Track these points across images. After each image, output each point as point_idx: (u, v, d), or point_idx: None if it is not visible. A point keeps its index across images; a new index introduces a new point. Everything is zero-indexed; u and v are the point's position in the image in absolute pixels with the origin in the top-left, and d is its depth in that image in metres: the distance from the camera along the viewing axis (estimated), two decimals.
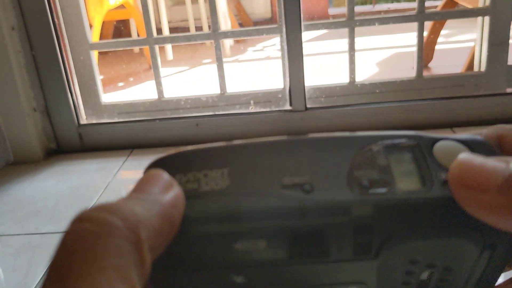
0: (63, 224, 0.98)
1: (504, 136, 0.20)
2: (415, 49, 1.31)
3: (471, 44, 1.63)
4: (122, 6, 2.24)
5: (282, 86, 1.31)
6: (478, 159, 0.16)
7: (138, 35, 2.48)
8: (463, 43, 2.37)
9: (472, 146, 0.18)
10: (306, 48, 1.27)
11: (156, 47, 1.34)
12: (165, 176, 0.18)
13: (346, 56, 1.31)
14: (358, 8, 3.31)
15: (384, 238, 0.18)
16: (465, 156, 0.17)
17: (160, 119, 1.32)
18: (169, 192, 0.17)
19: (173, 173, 0.18)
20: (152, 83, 1.41)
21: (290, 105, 1.30)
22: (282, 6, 1.21)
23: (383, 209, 0.17)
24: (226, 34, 1.41)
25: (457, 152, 0.18)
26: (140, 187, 0.17)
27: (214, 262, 0.18)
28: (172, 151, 0.19)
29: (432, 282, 0.19)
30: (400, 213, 0.17)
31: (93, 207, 0.15)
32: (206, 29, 2.54)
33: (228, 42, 2.65)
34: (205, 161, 0.18)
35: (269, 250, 0.17)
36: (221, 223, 0.17)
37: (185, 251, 0.17)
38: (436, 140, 0.19)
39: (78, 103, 1.33)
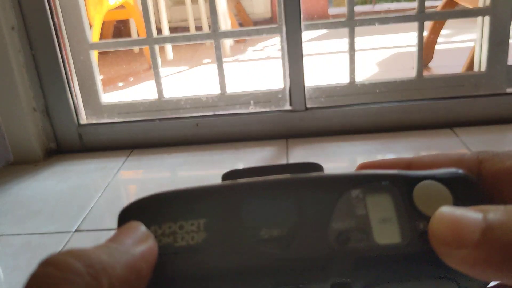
0: (63, 224, 0.98)
1: (485, 160, 0.20)
2: (415, 49, 1.31)
3: (471, 44, 1.63)
4: (122, 6, 2.24)
5: (282, 86, 1.31)
6: (456, 213, 0.16)
7: (138, 35, 2.48)
8: (463, 43, 2.37)
9: (453, 184, 0.18)
10: (306, 48, 1.27)
11: (156, 47, 1.34)
12: (141, 228, 0.18)
13: (346, 56, 1.31)
14: (358, 8, 3.31)
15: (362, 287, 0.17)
16: (443, 211, 0.16)
17: (160, 119, 1.32)
18: (142, 244, 0.17)
19: (149, 223, 0.18)
20: (152, 83, 1.41)
21: (290, 105, 1.30)
22: (282, 6, 1.21)
23: (360, 265, 0.17)
24: (226, 34, 1.42)
25: (437, 195, 0.18)
26: (115, 237, 0.17)
27: None
28: (147, 195, 0.19)
29: None
30: (378, 268, 0.17)
31: (61, 252, 0.16)
32: (206, 29, 2.54)
33: (228, 42, 2.65)
34: (181, 209, 0.18)
35: None
36: (196, 282, 0.17)
37: None
38: (416, 180, 0.18)
39: (78, 103, 1.33)
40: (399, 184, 0.18)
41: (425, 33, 1.69)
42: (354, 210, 0.18)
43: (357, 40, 1.30)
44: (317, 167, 0.21)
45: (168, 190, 0.18)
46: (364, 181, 0.18)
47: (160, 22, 2.45)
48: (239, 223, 0.17)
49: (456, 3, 1.67)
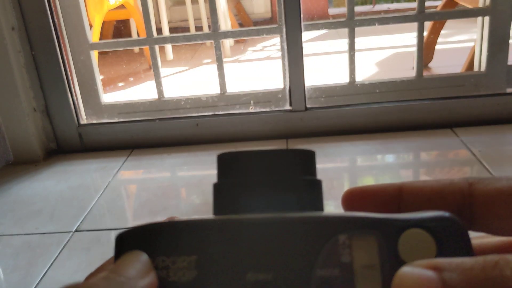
0: (63, 224, 0.98)
1: (475, 183, 0.20)
2: (415, 49, 1.32)
3: (471, 44, 1.63)
4: (122, 6, 2.24)
5: (282, 86, 1.31)
6: (414, 275, 0.16)
7: (138, 35, 2.48)
8: (463, 43, 2.37)
9: (438, 232, 0.18)
10: (306, 48, 1.27)
11: (156, 47, 1.34)
12: (145, 260, 0.18)
13: (346, 56, 1.31)
14: (358, 8, 3.31)
15: None
16: (403, 272, 0.17)
17: (160, 119, 1.32)
18: (146, 277, 0.18)
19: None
20: (152, 83, 1.41)
21: (290, 105, 1.30)
22: (282, 6, 1.21)
23: None
24: (226, 34, 1.42)
25: (421, 245, 0.18)
26: (119, 267, 0.18)
27: None
28: (142, 224, 0.20)
29: None
30: None
31: (77, 285, 0.16)
32: (206, 29, 2.54)
33: (228, 42, 2.65)
34: (174, 243, 0.19)
35: None
36: None
37: None
38: (403, 228, 0.18)
39: (78, 103, 1.33)
40: (386, 232, 0.18)
41: (425, 33, 1.69)
42: (339, 257, 0.18)
43: (357, 40, 1.30)
44: (309, 154, 0.21)
45: (162, 221, 0.19)
46: (352, 226, 0.19)
47: (160, 22, 2.45)
48: (228, 264, 0.18)
49: (456, 3, 1.67)
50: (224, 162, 0.21)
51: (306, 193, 0.21)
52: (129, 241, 0.19)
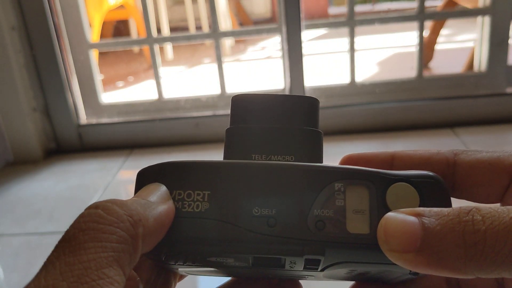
0: (63, 224, 0.98)
1: (460, 153, 0.23)
2: (415, 49, 1.32)
3: (471, 44, 1.63)
4: (122, 6, 2.24)
5: (282, 86, 1.31)
6: (397, 220, 0.19)
7: (138, 35, 2.48)
8: (463, 43, 2.37)
9: (423, 187, 0.21)
10: (306, 48, 1.27)
11: (156, 47, 1.34)
12: (164, 189, 0.21)
13: (346, 56, 1.31)
14: (358, 8, 3.31)
15: (328, 264, 0.21)
16: (388, 216, 0.19)
17: (160, 119, 1.32)
18: (165, 204, 0.20)
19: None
20: (152, 83, 1.41)
21: None
22: (282, 6, 1.21)
23: (332, 248, 0.20)
24: (226, 34, 1.42)
25: (406, 197, 0.21)
26: (144, 194, 0.20)
27: (191, 264, 0.22)
28: (161, 161, 0.22)
29: (368, 277, 0.23)
30: (346, 253, 0.21)
31: (107, 200, 0.19)
32: (206, 29, 2.54)
33: (228, 42, 2.65)
34: (191, 179, 0.22)
35: (236, 263, 0.22)
36: (197, 245, 0.21)
37: (168, 257, 0.21)
38: (392, 181, 0.21)
39: (78, 103, 1.33)
40: (376, 183, 0.21)
41: (425, 33, 1.69)
42: (334, 201, 0.21)
43: (357, 40, 1.30)
44: (313, 101, 0.25)
45: (181, 160, 0.22)
46: (347, 176, 0.21)
47: (160, 22, 2.45)
48: (237, 200, 0.21)
49: (456, 4, 1.67)
50: (237, 106, 0.25)
51: (307, 142, 0.25)
52: (148, 176, 0.22)
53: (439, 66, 1.92)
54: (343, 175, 0.21)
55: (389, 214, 0.19)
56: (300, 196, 0.21)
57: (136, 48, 2.69)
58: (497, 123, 1.25)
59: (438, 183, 0.21)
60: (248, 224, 0.21)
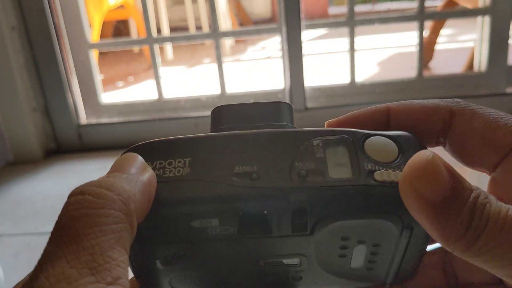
0: None
1: (456, 114, 0.23)
2: (415, 49, 1.31)
3: (471, 44, 1.63)
4: (122, 6, 2.24)
5: (282, 86, 1.31)
6: (426, 157, 0.18)
7: (138, 35, 2.48)
8: (463, 43, 2.37)
9: (401, 142, 0.22)
10: (306, 48, 1.27)
11: (156, 47, 1.34)
12: (139, 159, 0.20)
13: (346, 56, 1.31)
14: (358, 8, 3.31)
15: (318, 219, 0.21)
16: (419, 157, 0.19)
17: (160, 119, 1.32)
18: (146, 172, 0.20)
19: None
20: (152, 83, 1.41)
21: None
22: (282, 6, 1.21)
23: (317, 195, 0.20)
24: (226, 34, 1.42)
25: (385, 147, 0.21)
26: (120, 167, 0.20)
27: (175, 236, 0.21)
28: (142, 142, 0.22)
29: (365, 256, 0.23)
30: (331, 198, 0.20)
31: (91, 183, 0.18)
32: (206, 29, 2.54)
33: (228, 42, 2.65)
34: (171, 151, 0.22)
35: (221, 227, 0.21)
36: (180, 205, 0.20)
37: (152, 227, 0.21)
38: (368, 136, 0.22)
39: (77, 103, 1.33)
40: (353, 137, 0.22)
41: (425, 33, 1.69)
42: (314, 155, 0.21)
43: (357, 39, 1.30)
44: (287, 106, 0.25)
45: (161, 138, 0.22)
46: (324, 133, 0.22)
47: (160, 22, 2.45)
48: (218, 161, 0.21)
49: (456, 3, 1.67)
50: (215, 116, 0.25)
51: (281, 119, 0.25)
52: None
53: (439, 66, 1.92)
54: (320, 133, 0.22)
55: (422, 152, 0.19)
56: (281, 153, 0.21)
57: (136, 48, 2.69)
58: None
59: (415, 140, 0.22)
60: (231, 181, 0.20)
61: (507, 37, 1.27)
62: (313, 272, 0.24)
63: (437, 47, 1.88)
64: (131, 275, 0.22)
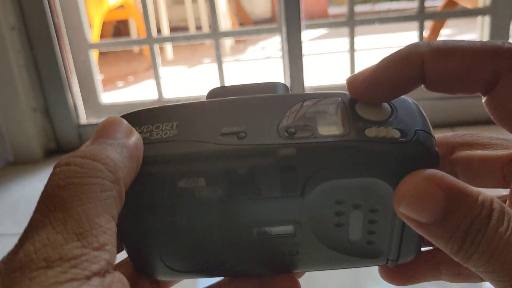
0: None
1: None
2: None
3: None
4: (122, 6, 2.24)
5: None
6: (417, 179, 0.18)
7: (138, 35, 2.48)
8: None
9: (394, 102, 0.21)
10: (306, 48, 1.27)
11: (156, 46, 1.34)
12: (124, 122, 0.20)
13: (346, 56, 1.31)
14: (358, 8, 3.31)
15: (307, 177, 0.20)
16: (409, 181, 0.18)
17: None
18: (132, 136, 0.19)
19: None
20: (152, 83, 1.41)
21: None
22: (282, 6, 1.21)
23: (305, 150, 0.20)
24: (226, 34, 1.42)
25: (377, 106, 0.21)
26: (105, 132, 0.19)
27: (161, 200, 0.20)
28: (131, 111, 0.23)
29: (363, 224, 0.22)
30: (320, 154, 0.20)
31: (75, 153, 0.18)
32: (206, 29, 2.54)
33: (228, 42, 2.65)
34: (159, 116, 0.22)
35: (208, 188, 0.20)
36: (165, 163, 0.20)
37: (138, 190, 0.20)
38: None
39: (78, 103, 1.33)
40: (345, 99, 0.21)
41: (425, 33, 1.69)
42: (304, 114, 0.21)
43: (357, 39, 1.30)
44: (283, 87, 0.24)
45: (149, 107, 0.23)
46: (315, 96, 0.22)
47: (160, 22, 2.45)
48: (205, 122, 0.21)
49: (456, 3, 1.67)
50: (210, 98, 0.24)
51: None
52: None
53: None
54: (311, 96, 0.22)
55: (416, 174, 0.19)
56: (270, 114, 0.21)
57: (136, 48, 2.69)
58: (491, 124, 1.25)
59: (410, 101, 0.22)
60: (217, 140, 0.20)
61: (507, 37, 1.27)
62: (310, 245, 0.23)
63: None
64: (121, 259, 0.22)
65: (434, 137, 0.21)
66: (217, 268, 0.24)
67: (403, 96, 0.22)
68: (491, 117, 0.21)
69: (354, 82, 0.21)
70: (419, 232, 0.18)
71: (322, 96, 0.22)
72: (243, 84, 0.24)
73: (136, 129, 0.21)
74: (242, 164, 0.20)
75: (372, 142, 0.20)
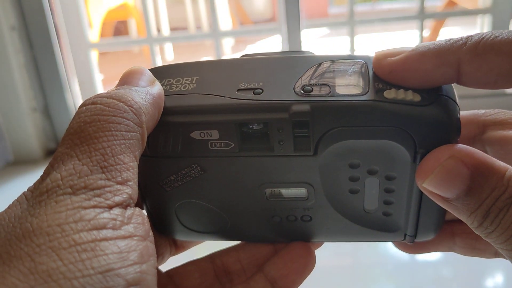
0: None
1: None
2: None
3: None
4: (122, 6, 2.24)
5: None
6: (443, 156, 0.18)
7: (138, 35, 2.48)
8: None
9: None
10: (306, 47, 1.26)
11: (156, 46, 1.34)
12: (147, 71, 0.21)
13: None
14: (358, 7, 3.31)
15: (321, 135, 0.20)
16: (434, 156, 0.18)
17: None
18: (155, 85, 0.20)
19: None
20: None
21: None
22: (282, 5, 1.21)
23: (319, 107, 0.19)
24: (226, 34, 1.42)
25: None
26: (129, 79, 0.20)
27: (175, 151, 0.21)
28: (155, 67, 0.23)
29: (379, 193, 0.21)
30: (335, 112, 0.19)
31: (101, 94, 0.18)
32: (206, 29, 2.54)
33: (228, 42, 2.65)
34: (180, 71, 0.22)
35: (221, 141, 0.20)
36: (180, 114, 0.20)
37: (154, 140, 0.21)
38: None
39: (77, 103, 1.33)
40: (366, 61, 0.21)
41: (426, 33, 1.69)
42: (323, 73, 0.21)
43: (357, 39, 1.30)
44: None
45: (172, 63, 0.23)
46: (337, 58, 0.21)
47: (160, 22, 2.45)
48: (223, 79, 0.21)
49: (456, 3, 1.67)
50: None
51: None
52: None
53: None
54: (333, 57, 0.21)
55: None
56: (289, 72, 0.21)
57: (136, 48, 2.69)
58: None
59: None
60: (234, 95, 0.20)
61: None
62: (324, 212, 0.22)
63: None
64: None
65: (458, 105, 0.20)
66: (231, 231, 0.24)
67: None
68: None
69: (382, 61, 0.21)
70: (440, 205, 0.18)
71: (345, 57, 0.21)
72: (274, 52, 0.24)
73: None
74: (255, 118, 0.20)
75: (389, 102, 0.19)
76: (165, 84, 0.22)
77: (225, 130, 0.20)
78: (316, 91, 0.20)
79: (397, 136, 0.19)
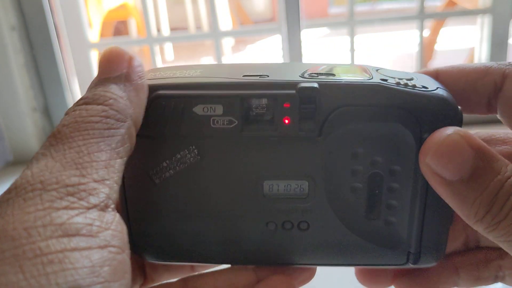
0: None
1: (509, 77, 0.21)
2: (415, 49, 1.31)
3: (471, 44, 1.63)
4: (122, 6, 2.24)
5: None
6: (448, 132, 0.17)
7: (138, 35, 2.48)
8: (463, 43, 2.37)
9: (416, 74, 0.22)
10: (306, 47, 1.27)
11: (156, 46, 1.34)
12: (122, 51, 0.19)
13: (346, 56, 1.31)
14: (358, 7, 3.31)
15: (327, 114, 0.20)
16: (437, 133, 0.18)
17: None
18: (132, 65, 0.19)
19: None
20: None
21: None
22: (282, 5, 1.21)
23: (326, 86, 0.20)
24: (226, 34, 1.41)
25: (400, 71, 0.22)
26: (106, 69, 0.19)
27: (177, 128, 0.20)
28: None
29: (382, 194, 0.21)
30: (341, 91, 0.20)
31: (80, 101, 0.18)
32: (206, 29, 2.54)
33: (228, 42, 2.65)
34: (184, 67, 0.22)
35: (224, 118, 0.20)
36: (183, 89, 0.20)
37: (153, 116, 0.20)
38: None
39: None
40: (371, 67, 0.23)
41: (426, 33, 1.69)
42: (328, 70, 0.21)
43: (357, 39, 1.30)
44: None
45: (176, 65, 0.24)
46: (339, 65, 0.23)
47: (159, 22, 2.45)
48: (229, 71, 0.21)
49: (456, 3, 1.67)
50: None
51: None
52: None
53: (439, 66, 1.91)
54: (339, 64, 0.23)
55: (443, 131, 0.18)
56: (294, 69, 0.21)
57: (136, 48, 2.69)
58: (497, 123, 1.24)
59: (448, 100, 0.22)
60: (239, 77, 0.20)
61: (507, 37, 1.27)
62: (322, 217, 0.21)
63: (437, 47, 1.88)
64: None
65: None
66: (216, 250, 0.23)
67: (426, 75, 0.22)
68: (503, 122, 0.22)
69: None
70: (442, 192, 0.17)
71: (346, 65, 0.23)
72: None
73: (160, 73, 0.21)
74: (262, 93, 0.20)
75: (393, 86, 0.20)
76: (168, 75, 0.22)
77: (230, 105, 0.20)
78: (322, 76, 0.20)
79: (402, 118, 0.19)
